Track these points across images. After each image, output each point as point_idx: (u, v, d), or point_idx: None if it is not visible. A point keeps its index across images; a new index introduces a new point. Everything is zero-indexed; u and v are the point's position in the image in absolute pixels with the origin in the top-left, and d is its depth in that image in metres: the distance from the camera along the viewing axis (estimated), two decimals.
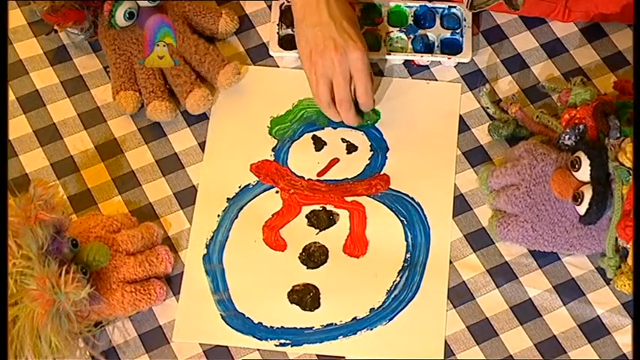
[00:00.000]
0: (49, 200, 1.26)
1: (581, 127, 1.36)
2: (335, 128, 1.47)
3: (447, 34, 1.51)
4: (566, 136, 1.36)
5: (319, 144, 1.46)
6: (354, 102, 1.43)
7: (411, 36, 1.51)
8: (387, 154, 1.45)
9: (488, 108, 1.46)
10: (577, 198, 1.31)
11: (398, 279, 1.37)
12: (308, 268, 1.38)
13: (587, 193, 1.30)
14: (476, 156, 1.44)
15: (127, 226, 1.37)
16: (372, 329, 1.34)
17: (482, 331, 1.34)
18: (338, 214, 1.41)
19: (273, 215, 1.41)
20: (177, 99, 1.48)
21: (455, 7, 1.52)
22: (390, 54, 1.50)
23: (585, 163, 1.31)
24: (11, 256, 1.22)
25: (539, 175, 1.35)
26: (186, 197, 1.43)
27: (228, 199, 1.42)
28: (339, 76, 1.40)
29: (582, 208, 1.31)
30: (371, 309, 1.35)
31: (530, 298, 1.35)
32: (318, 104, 1.44)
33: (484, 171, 1.39)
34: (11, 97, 1.49)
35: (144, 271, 1.33)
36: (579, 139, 1.35)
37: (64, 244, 1.27)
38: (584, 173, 1.31)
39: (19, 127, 1.47)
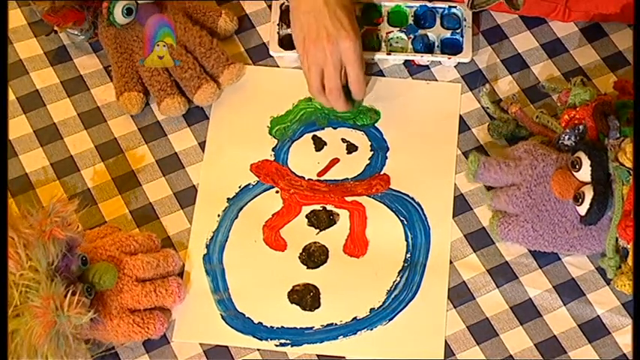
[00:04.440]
0: (66, 218, 1.25)
1: (580, 127, 1.36)
2: (335, 128, 1.47)
3: (447, 34, 1.51)
4: (566, 137, 1.36)
5: (319, 144, 1.46)
6: (345, 88, 1.43)
7: (411, 36, 1.51)
8: (387, 154, 1.45)
9: (488, 108, 1.46)
10: (578, 198, 1.31)
11: (398, 279, 1.37)
12: (308, 268, 1.38)
13: (588, 194, 1.30)
14: None
15: (147, 249, 1.35)
16: (372, 329, 1.34)
17: (483, 331, 1.34)
18: (338, 214, 1.41)
19: (273, 215, 1.41)
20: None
21: (455, 7, 1.52)
22: (390, 54, 1.50)
23: (586, 163, 1.31)
24: (20, 266, 1.21)
25: (540, 175, 1.35)
26: (186, 197, 1.43)
27: (228, 199, 1.42)
28: (329, 66, 1.41)
29: (583, 209, 1.31)
30: (371, 309, 1.35)
31: (530, 298, 1.35)
32: (308, 89, 1.44)
33: (473, 161, 1.38)
34: (11, 97, 1.49)
35: (149, 301, 1.31)
36: (579, 139, 1.35)
37: (74, 261, 1.26)
38: (584, 173, 1.31)
39: (19, 127, 1.47)
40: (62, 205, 1.25)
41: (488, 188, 1.40)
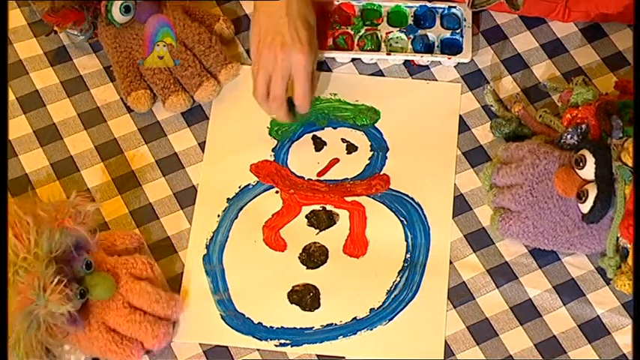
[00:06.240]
0: (84, 213, 1.26)
1: (583, 126, 1.35)
2: (335, 128, 1.47)
3: (447, 34, 1.51)
4: (569, 136, 1.36)
5: (319, 144, 1.46)
6: (291, 100, 1.43)
7: (411, 36, 1.51)
8: (387, 154, 1.45)
9: (491, 106, 1.46)
10: (581, 196, 1.31)
11: (398, 279, 1.37)
12: (308, 268, 1.38)
13: (592, 192, 1.30)
14: (476, 156, 1.44)
15: (153, 282, 1.33)
16: (372, 329, 1.34)
17: (482, 331, 1.33)
18: (338, 214, 1.41)
19: (273, 215, 1.41)
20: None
21: (455, 7, 1.52)
22: (390, 54, 1.50)
23: (590, 161, 1.31)
24: (26, 249, 1.22)
25: (542, 173, 1.35)
26: (186, 197, 1.43)
27: (228, 199, 1.42)
28: (277, 74, 1.41)
29: (586, 207, 1.31)
30: (371, 309, 1.35)
31: (530, 298, 1.35)
32: (253, 92, 1.44)
33: (490, 167, 1.39)
34: (11, 97, 1.49)
35: (129, 329, 1.29)
36: (581, 138, 1.35)
37: (77, 260, 1.26)
38: (588, 171, 1.31)
39: (19, 127, 1.47)
40: (82, 199, 1.27)
41: (490, 187, 1.40)
